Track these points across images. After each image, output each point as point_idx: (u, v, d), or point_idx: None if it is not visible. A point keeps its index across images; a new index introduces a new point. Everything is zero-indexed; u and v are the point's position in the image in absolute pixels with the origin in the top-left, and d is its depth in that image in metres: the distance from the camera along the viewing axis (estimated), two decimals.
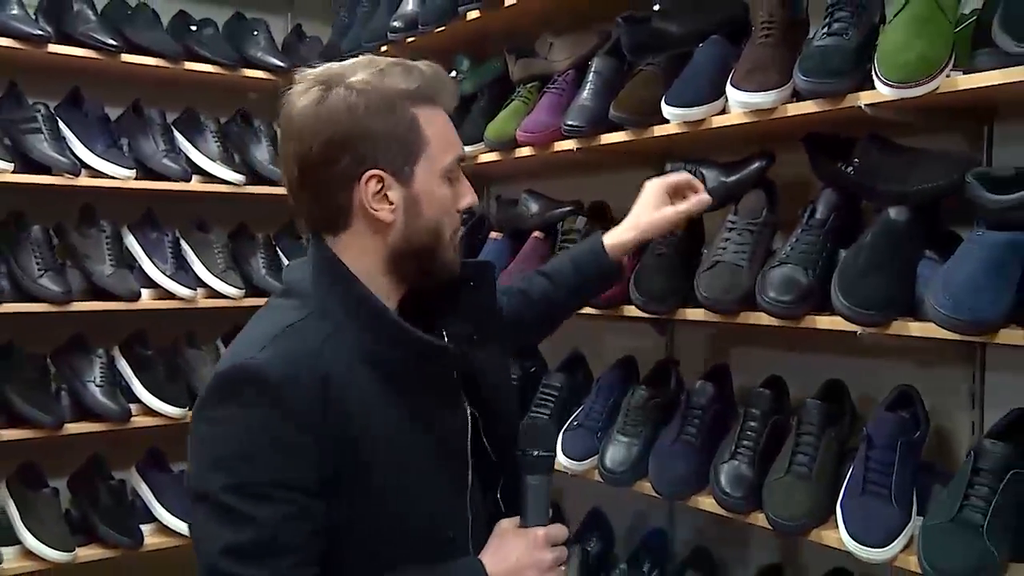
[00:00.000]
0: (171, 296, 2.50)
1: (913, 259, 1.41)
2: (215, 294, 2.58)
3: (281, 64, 2.76)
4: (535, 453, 1.15)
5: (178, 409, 2.46)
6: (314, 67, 1.15)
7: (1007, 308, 1.25)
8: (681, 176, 1.57)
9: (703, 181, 1.75)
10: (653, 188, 1.55)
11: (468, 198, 1.17)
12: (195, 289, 2.53)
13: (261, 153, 2.74)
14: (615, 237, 1.52)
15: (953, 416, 1.60)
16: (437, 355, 1.11)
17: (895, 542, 1.36)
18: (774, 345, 1.82)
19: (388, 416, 1.07)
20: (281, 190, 2.93)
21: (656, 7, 1.84)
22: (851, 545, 1.38)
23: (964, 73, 1.33)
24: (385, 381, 1.07)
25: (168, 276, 2.50)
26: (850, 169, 1.51)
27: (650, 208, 1.53)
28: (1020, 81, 1.23)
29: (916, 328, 1.36)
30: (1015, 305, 1.24)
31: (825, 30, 1.49)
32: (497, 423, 1.19)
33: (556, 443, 1.18)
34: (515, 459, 1.16)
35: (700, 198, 1.55)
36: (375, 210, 1.10)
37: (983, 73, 1.28)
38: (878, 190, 1.48)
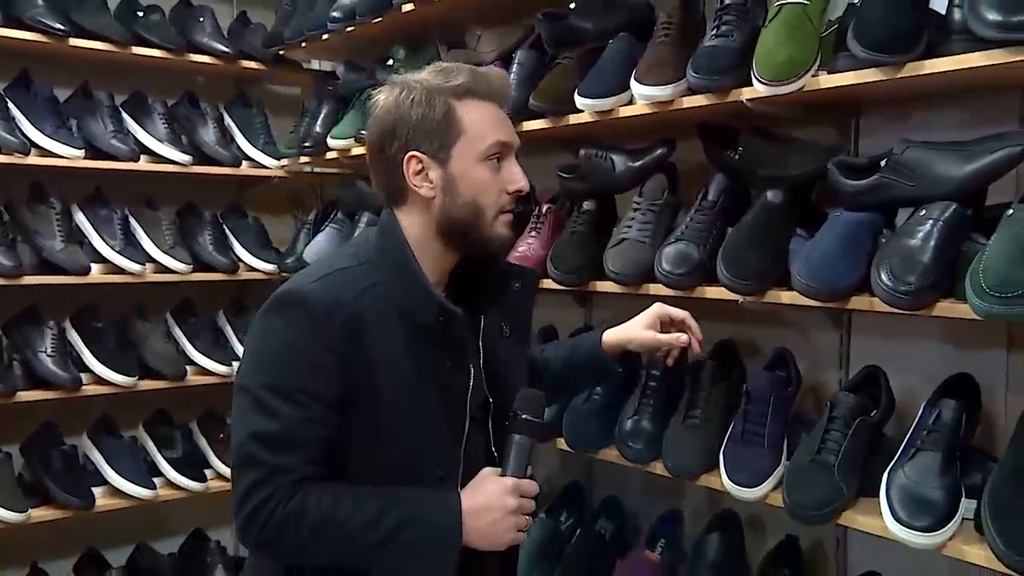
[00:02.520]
0: (120, 271, 2.61)
1: (786, 236, 1.59)
2: (163, 269, 2.69)
3: (226, 49, 2.86)
4: (524, 416, 1.29)
5: (128, 378, 2.57)
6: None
7: (858, 278, 1.44)
8: (680, 313, 1.58)
9: (612, 166, 1.93)
10: (651, 311, 1.59)
11: (517, 182, 1.32)
12: (144, 264, 2.64)
13: (208, 134, 2.85)
14: (608, 334, 1.60)
15: (825, 374, 1.81)
16: (450, 317, 1.27)
17: (765, 483, 1.55)
18: None
19: (403, 361, 1.25)
20: (227, 170, 3.05)
21: (572, 5, 2.00)
22: (729, 486, 1.58)
23: (828, 73, 1.51)
24: (408, 333, 1.25)
25: (117, 252, 2.61)
26: (736, 156, 1.69)
27: (639, 325, 1.58)
28: (871, 82, 1.42)
29: (786, 296, 1.54)
30: (866, 275, 1.42)
31: (714, 32, 1.66)
32: (505, 404, 1.32)
33: (544, 413, 1.32)
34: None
35: (677, 337, 1.56)
36: (416, 187, 1.29)
37: (840, 74, 1.46)
38: (758, 175, 1.67)
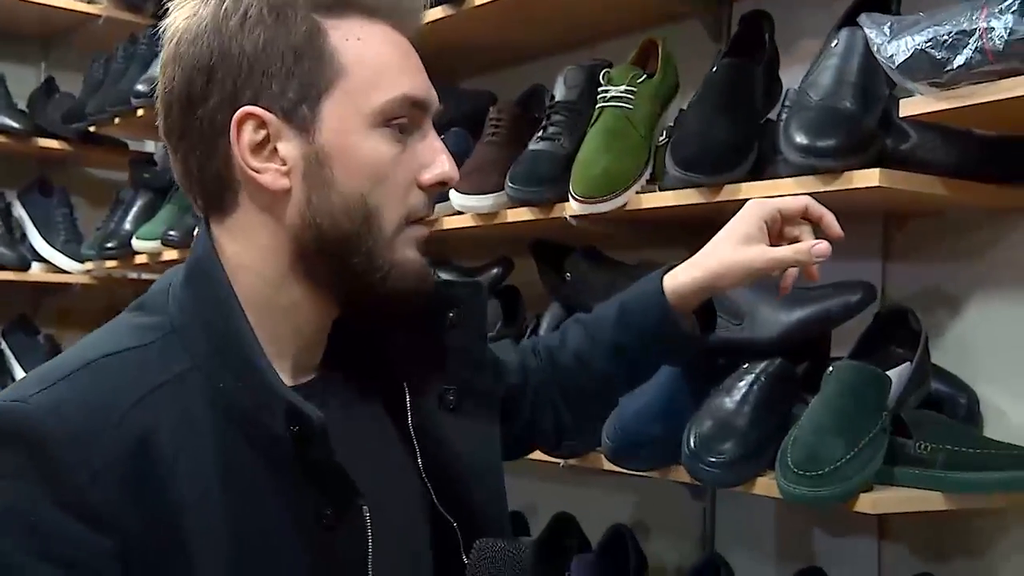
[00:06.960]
0: None
1: None
2: None
3: (16, 125, 2.99)
4: None
5: None
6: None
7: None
8: (798, 202, 1.19)
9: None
10: (748, 214, 1.19)
11: (437, 167, 0.99)
12: None
13: None
14: (674, 277, 1.20)
15: (685, 555, 1.88)
16: (306, 428, 0.89)
17: None
18: None
19: (244, 508, 0.89)
20: (11, 275, 3.12)
21: None
22: None
23: (660, 190, 1.62)
24: (251, 454, 0.90)
25: None
26: (565, 283, 1.79)
27: (732, 241, 1.18)
28: (691, 204, 1.52)
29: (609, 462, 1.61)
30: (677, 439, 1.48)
31: (540, 134, 1.78)
32: (473, 527, 1.04)
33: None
34: None
35: (807, 247, 1.16)
36: (255, 171, 0.93)
37: (660, 193, 1.58)
38: (588, 307, 1.76)
